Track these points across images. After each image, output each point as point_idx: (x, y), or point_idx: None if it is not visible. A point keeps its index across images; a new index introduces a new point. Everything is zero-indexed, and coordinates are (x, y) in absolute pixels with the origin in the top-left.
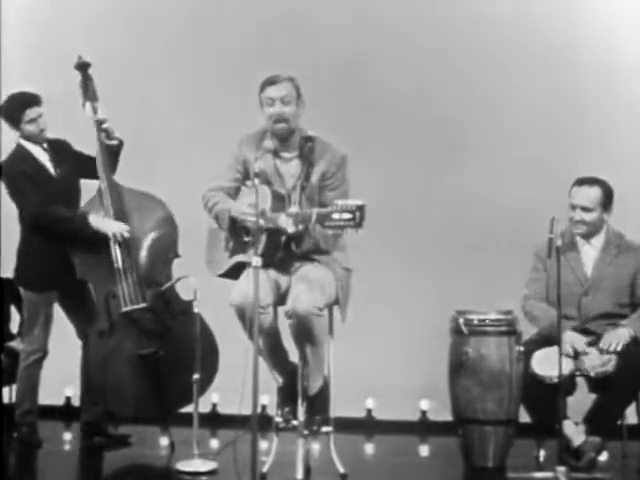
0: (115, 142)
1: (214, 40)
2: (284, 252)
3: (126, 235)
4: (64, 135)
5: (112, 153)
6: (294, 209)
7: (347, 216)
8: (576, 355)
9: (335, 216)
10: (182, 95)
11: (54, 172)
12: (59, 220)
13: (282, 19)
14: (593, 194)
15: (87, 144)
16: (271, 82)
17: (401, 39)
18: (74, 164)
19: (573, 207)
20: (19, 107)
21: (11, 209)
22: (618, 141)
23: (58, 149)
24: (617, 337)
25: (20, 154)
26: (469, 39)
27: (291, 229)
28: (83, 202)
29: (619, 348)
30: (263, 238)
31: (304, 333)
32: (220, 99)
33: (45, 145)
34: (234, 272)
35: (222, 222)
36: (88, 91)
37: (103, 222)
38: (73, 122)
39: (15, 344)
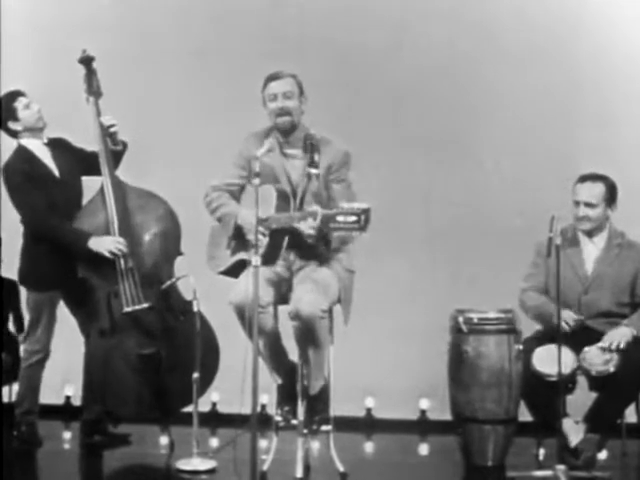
0: (120, 147)
1: (215, 38)
2: (287, 252)
3: (124, 249)
4: (66, 133)
5: (115, 156)
6: (314, 208)
7: (352, 219)
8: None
9: (340, 218)
10: (183, 94)
11: (57, 172)
12: (59, 236)
13: (284, 15)
14: (597, 190)
15: (90, 141)
16: (274, 77)
17: (404, 35)
18: (76, 162)
19: (577, 203)
20: (10, 98)
21: (12, 208)
22: (619, 139)
23: (59, 147)
24: (619, 335)
25: (21, 153)
26: (471, 35)
27: (312, 232)
28: (85, 200)
29: (622, 346)
30: (266, 239)
31: (308, 335)
32: (221, 98)
33: (45, 140)
34: (235, 270)
35: (227, 226)
36: (92, 85)
37: (100, 243)
38: (75, 121)
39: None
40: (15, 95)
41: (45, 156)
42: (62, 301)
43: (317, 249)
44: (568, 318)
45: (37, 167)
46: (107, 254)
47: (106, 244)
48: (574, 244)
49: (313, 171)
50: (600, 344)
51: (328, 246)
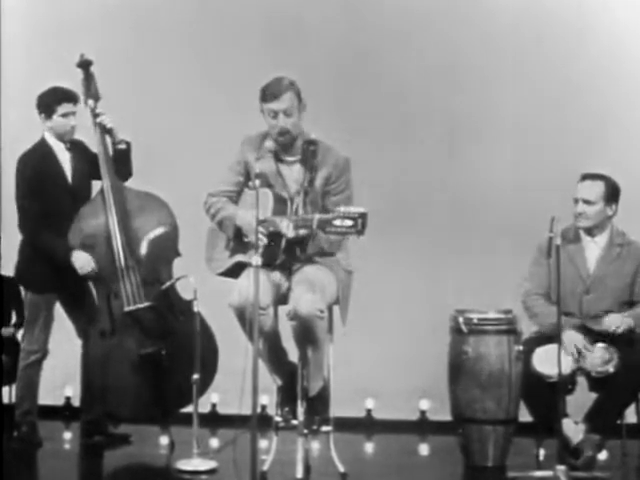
0: (123, 146)
1: (215, 41)
2: (285, 254)
3: (89, 270)
4: None
5: (122, 156)
6: (295, 214)
7: (349, 223)
8: (579, 354)
9: (337, 222)
10: (183, 95)
11: (70, 176)
12: (46, 249)
13: (285, 16)
14: (596, 188)
15: (89, 144)
16: (273, 96)
17: (401, 29)
18: (89, 167)
19: (576, 200)
20: (57, 99)
21: (13, 208)
22: (621, 138)
23: (77, 150)
24: (619, 320)
25: (41, 149)
26: (470, 28)
27: (291, 234)
28: None
29: (620, 330)
30: (264, 240)
31: (306, 335)
32: (221, 99)
33: (68, 145)
34: (234, 271)
35: (227, 229)
36: (90, 89)
37: (77, 259)
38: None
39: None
40: (63, 98)
41: (64, 159)
42: (59, 303)
43: (293, 251)
44: (579, 342)
45: (52, 166)
46: (79, 271)
47: (79, 262)
48: (576, 243)
49: (309, 188)
50: (603, 325)
51: (303, 251)
